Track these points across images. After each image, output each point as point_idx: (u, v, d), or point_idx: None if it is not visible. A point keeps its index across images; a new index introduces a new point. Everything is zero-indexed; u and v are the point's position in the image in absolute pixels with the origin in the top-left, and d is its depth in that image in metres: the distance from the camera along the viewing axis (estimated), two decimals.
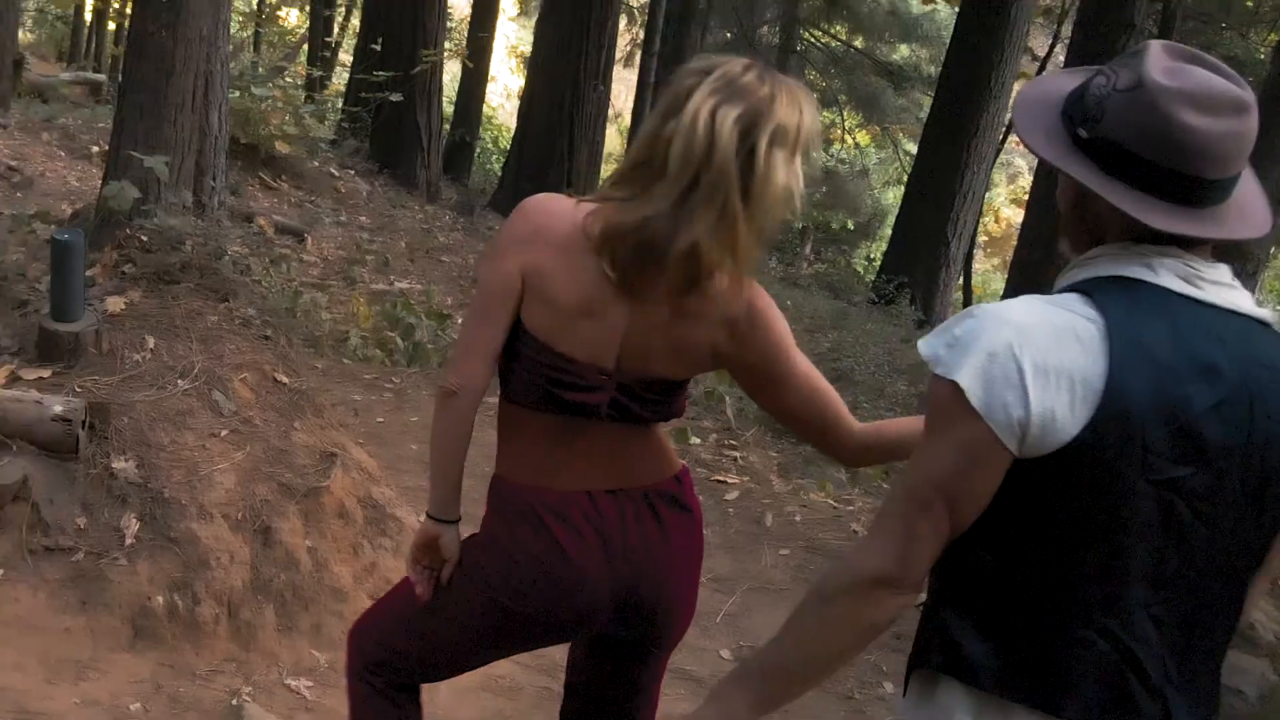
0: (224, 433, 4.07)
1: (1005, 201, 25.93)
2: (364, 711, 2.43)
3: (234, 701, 3.59)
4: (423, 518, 2.36)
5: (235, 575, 3.82)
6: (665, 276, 2.06)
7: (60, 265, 3.97)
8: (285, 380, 4.45)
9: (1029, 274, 9.85)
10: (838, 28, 19.43)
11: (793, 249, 19.32)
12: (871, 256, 21.27)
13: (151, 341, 4.22)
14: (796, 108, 2.04)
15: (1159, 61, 1.57)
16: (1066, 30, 15.32)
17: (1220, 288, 1.61)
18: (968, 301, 15.29)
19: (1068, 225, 1.77)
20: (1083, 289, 1.58)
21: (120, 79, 4.91)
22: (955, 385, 1.50)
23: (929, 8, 19.41)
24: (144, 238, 4.41)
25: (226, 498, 3.91)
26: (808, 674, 1.77)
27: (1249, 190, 1.66)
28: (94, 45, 22.94)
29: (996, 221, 25.82)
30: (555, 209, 2.14)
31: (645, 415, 2.28)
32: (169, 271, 4.44)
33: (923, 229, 13.45)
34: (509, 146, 15.57)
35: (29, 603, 3.59)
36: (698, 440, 7.04)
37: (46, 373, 4.01)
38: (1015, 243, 11.51)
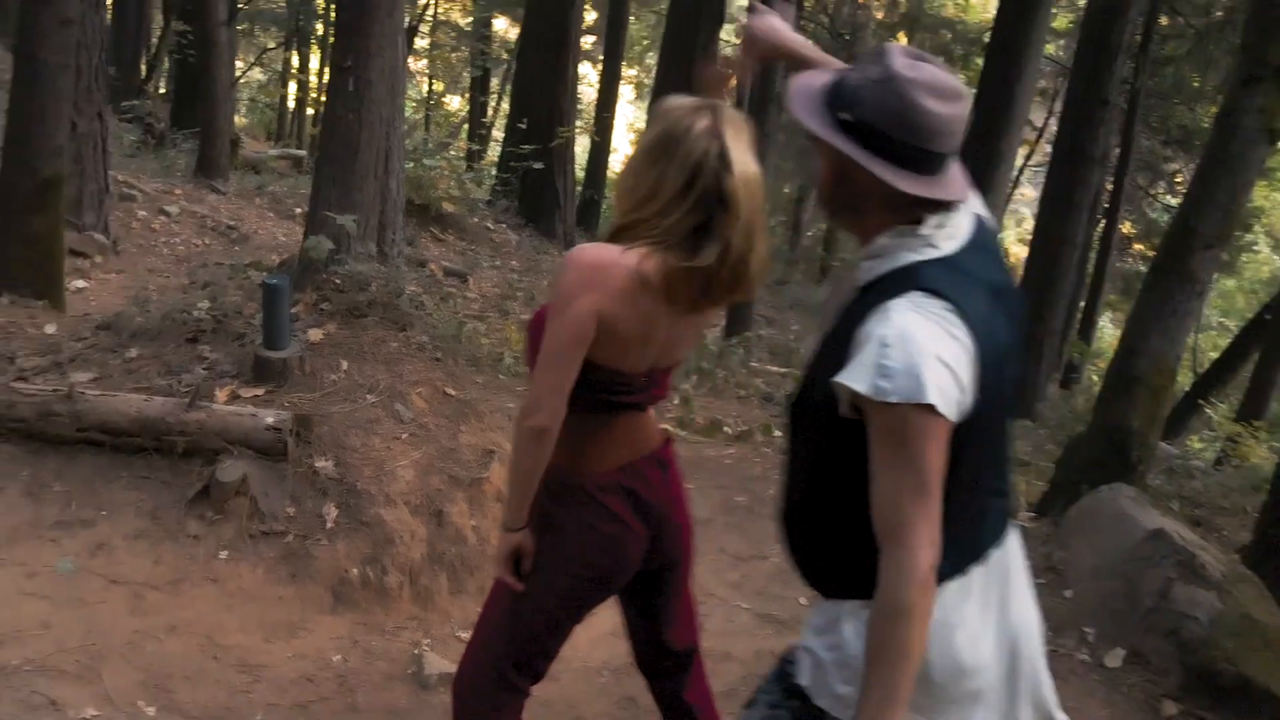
0: (404, 436, 4.43)
1: (1014, 240, 26.68)
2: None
3: (415, 651, 3.92)
4: (502, 532, 2.51)
5: (415, 550, 4.18)
6: (715, 299, 2.29)
7: (271, 304, 4.38)
8: (453, 393, 4.77)
9: (1035, 292, 10.47)
10: None
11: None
12: None
13: (345, 364, 4.62)
14: (740, 127, 2.22)
15: (900, 59, 1.82)
16: (1057, 105, 17.26)
17: (962, 220, 1.95)
18: None
19: (829, 197, 2.01)
20: (920, 287, 1.80)
21: (317, 154, 5.32)
22: (929, 406, 1.68)
23: None
24: (337, 281, 4.78)
25: (407, 488, 4.27)
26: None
27: (955, 165, 1.92)
28: (295, 126, 24.14)
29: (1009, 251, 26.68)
30: (607, 258, 2.19)
31: (660, 395, 2.52)
32: (358, 308, 4.81)
33: None
34: None
35: (249, 577, 4.00)
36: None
37: (261, 391, 4.43)
38: (1023, 270, 11.67)
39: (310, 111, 23.38)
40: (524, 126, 12.28)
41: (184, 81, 17.67)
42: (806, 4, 17.55)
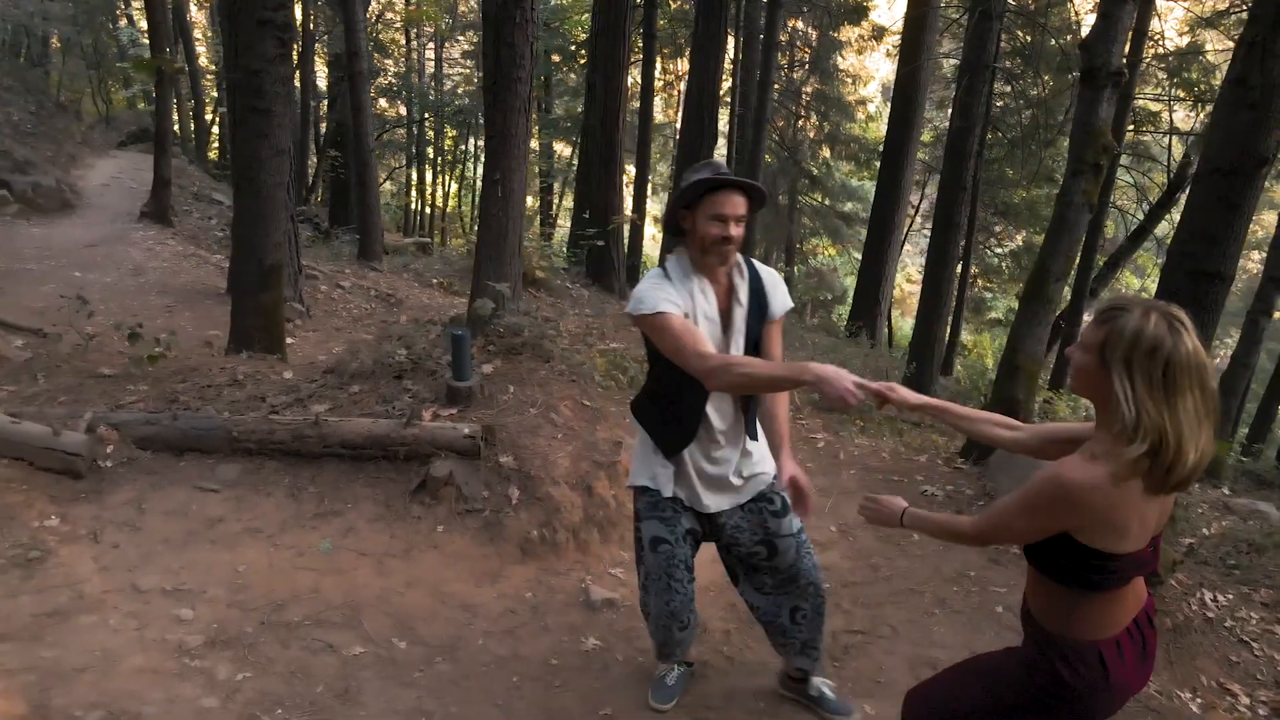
0: (559, 436, 4.35)
1: (904, 280, 28.16)
2: None
3: (583, 585, 3.87)
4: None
5: (574, 515, 4.10)
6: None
7: (458, 348, 4.33)
8: (587, 404, 4.69)
9: (926, 312, 11.44)
10: (817, 194, 20.93)
11: (797, 313, 21.08)
12: (841, 314, 23.11)
13: (511, 388, 4.54)
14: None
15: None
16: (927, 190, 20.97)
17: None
18: (890, 335, 18.25)
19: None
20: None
21: (476, 241, 5.24)
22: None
23: (861, 181, 22.79)
24: (501, 330, 4.75)
25: (565, 472, 4.19)
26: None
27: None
28: (418, 221, 24.14)
29: (900, 289, 27.39)
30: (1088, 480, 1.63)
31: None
32: (515, 348, 4.73)
33: (866, 297, 15.67)
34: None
35: (460, 543, 3.95)
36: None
37: (454, 411, 4.35)
38: (919, 299, 12.75)
39: (428, 210, 23.55)
40: (587, 216, 12.30)
41: (337, 191, 17.77)
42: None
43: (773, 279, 2.69)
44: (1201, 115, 17.87)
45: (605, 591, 3.82)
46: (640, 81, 15.24)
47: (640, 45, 14.92)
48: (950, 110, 20.53)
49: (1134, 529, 1.70)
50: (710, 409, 2.61)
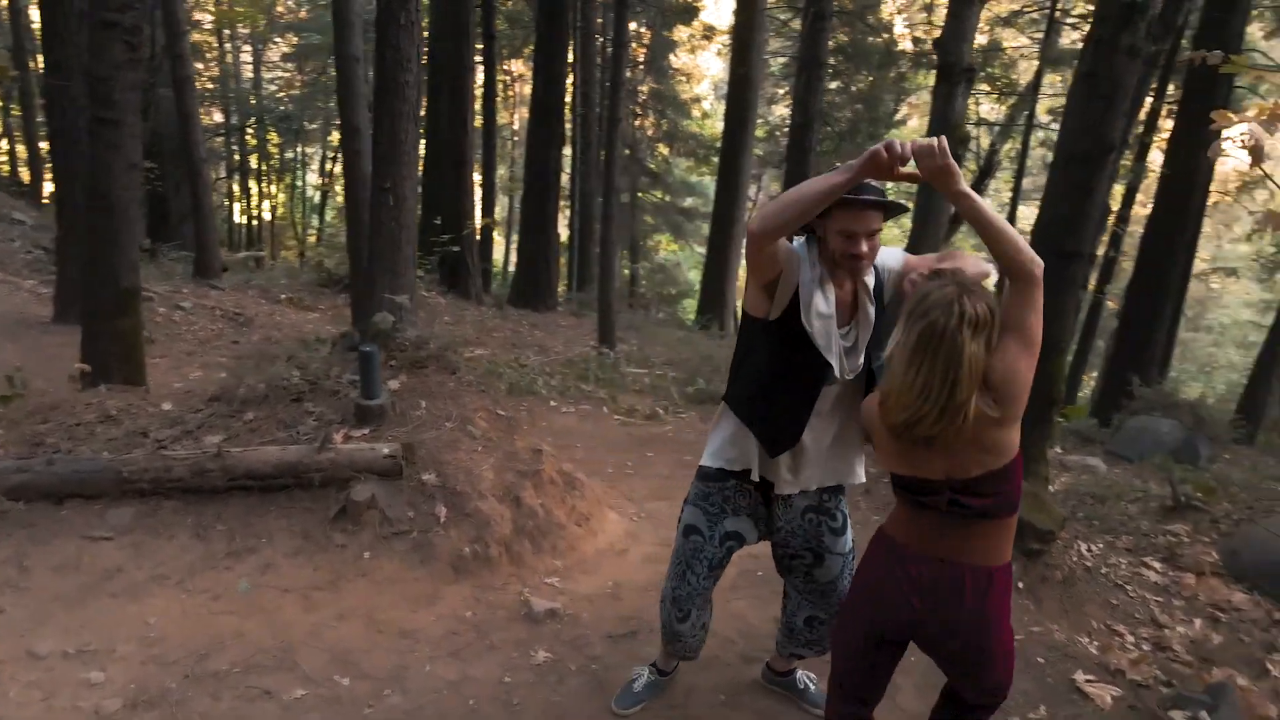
0: (479, 449, 4.23)
1: (743, 271, 29.97)
2: None
3: (521, 598, 3.80)
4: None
5: (504, 527, 4.02)
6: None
7: (367, 365, 4.12)
8: (501, 413, 4.59)
9: None
10: (658, 191, 21.62)
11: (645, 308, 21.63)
12: (687, 307, 24.14)
13: (423, 404, 4.37)
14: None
15: None
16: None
17: None
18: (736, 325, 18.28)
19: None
20: None
21: (368, 252, 5.00)
22: None
23: (700, 177, 23.78)
24: (406, 343, 4.56)
25: (490, 485, 4.10)
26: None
27: None
28: (245, 234, 22.75)
29: (741, 280, 29.15)
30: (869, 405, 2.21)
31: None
32: (419, 361, 4.56)
33: (713, 289, 16.42)
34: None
35: (390, 568, 3.79)
36: None
37: (367, 431, 4.15)
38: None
39: (253, 222, 22.23)
40: (439, 222, 11.99)
41: (154, 206, 16.48)
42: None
43: (884, 259, 2.46)
44: (1004, 108, 19.48)
45: (546, 602, 3.77)
46: (483, 84, 15.04)
47: (481, 47, 14.72)
48: (781, 106, 21.45)
49: (892, 456, 2.11)
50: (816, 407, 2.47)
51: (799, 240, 2.40)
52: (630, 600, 3.94)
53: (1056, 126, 17.16)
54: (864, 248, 2.24)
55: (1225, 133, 2.25)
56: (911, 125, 23.18)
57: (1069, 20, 16.81)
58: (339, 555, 3.80)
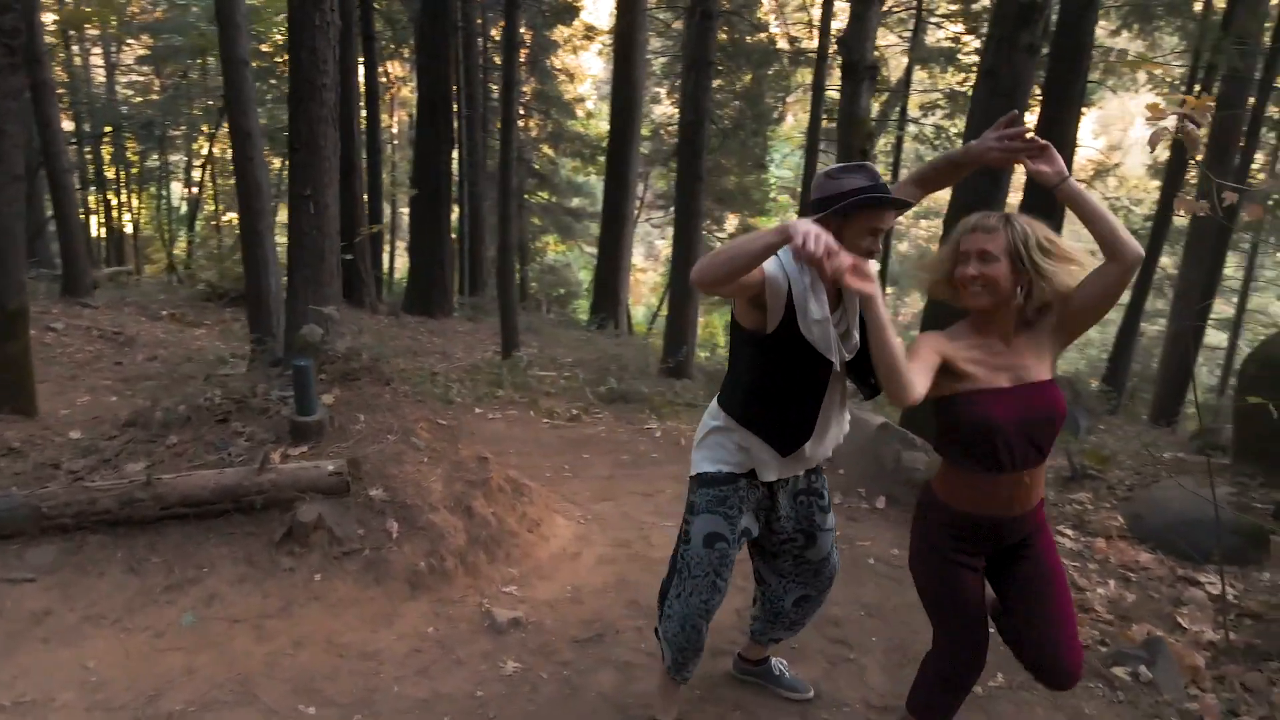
0: (425, 460, 4.12)
1: (643, 257, 30.31)
2: None
3: (482, 609, 3.72)
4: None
5: (458, 539, 3.93)
6: None
7: (301, 380, 3.95)
8: (443, 422, 4.48)
9: (677, 301, 12.29)
10: (544, 192, 21.76)
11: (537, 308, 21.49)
12: (578, 308, 24.15)
13: (362, 417, 4.22)
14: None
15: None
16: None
17: None
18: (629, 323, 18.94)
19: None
20: None
21: (289, 263, 4.78)
22: None
23: (587, 177, 23.98)
24: (334, 356, 4.40)
25: (441, 496, 4.00)
26: None
27: None
28: (108, 250, 21.27)
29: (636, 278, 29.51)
30: None
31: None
32: (351, 373, 4.39)
33: (606, 288, 16.54)
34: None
35: (344, 589, 3.65)
36: None
37: (305, 448, 3.99)
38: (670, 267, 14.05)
39: (117, 237, 20.81)
40: None
41: None
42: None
43: None
44: (878, 104, 20.28)
45: (508, 612, 3.72)
46: (364, 86, 14.62)
47: (362, 48, 14.29)
48: (665, 105, 21.67)
49: None
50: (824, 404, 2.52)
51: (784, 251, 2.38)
52: (591, 603, 3.92)
53: (928, 121, 17.98)
54: (878, 246, 2.34)
55: (1161, 124, 2.44)
56: (790, 122, 23.88)
57: (933, 19, 17.68)
58: (288, 580, 3.64)
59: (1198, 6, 14.41)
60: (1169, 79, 15.15)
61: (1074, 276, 2.19)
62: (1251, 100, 12.72)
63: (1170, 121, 2.40)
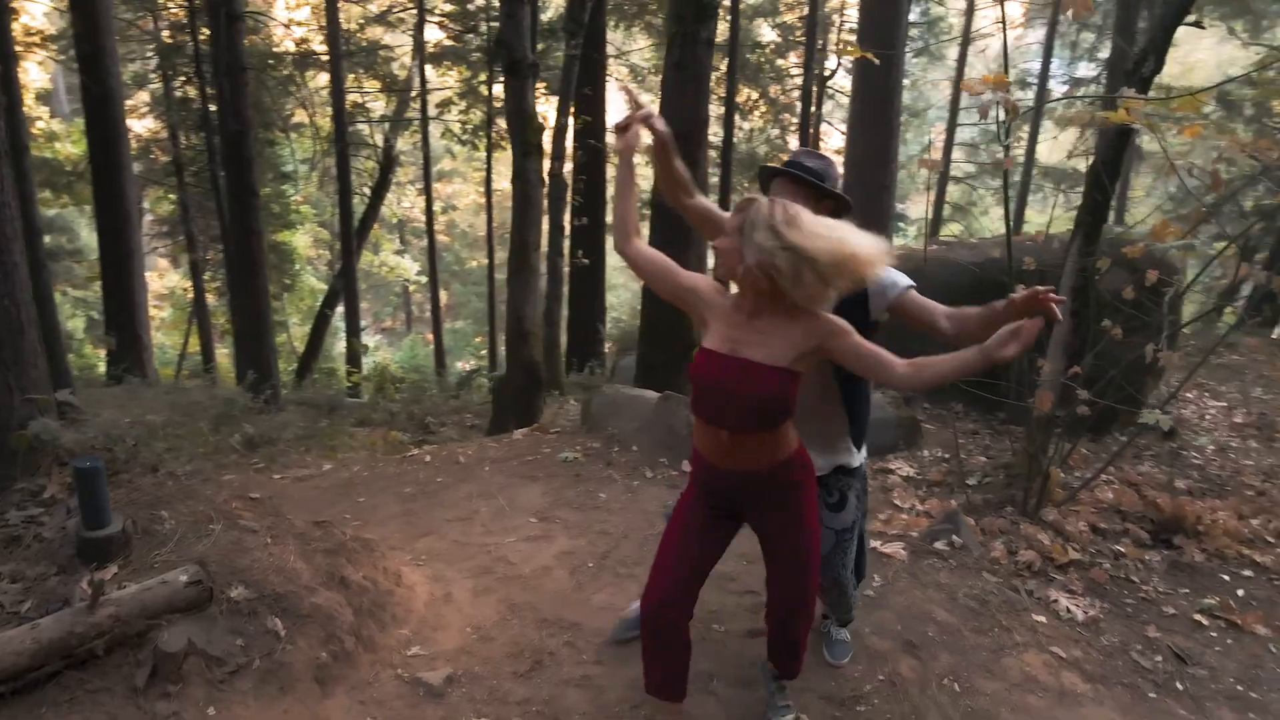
0: (267, 540, 3.45)
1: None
2: None
3: (402, 680, 3.33)
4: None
5: (346, 614, 3.41)
6: None
7: (89, 487, 3.00)
8: (255, 495, 3.78)
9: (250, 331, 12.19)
10: None
11: None
12: (90, 357, 21.15)
13: (164, 513, 3.37)
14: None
15: None
16: None
17: None
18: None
19: None
20: None
21: None
22: None
23: (64, 209, 20.66)
24: (95, 448, 3.40)
25: (310, 574, 3.43)
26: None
27: None
28: None
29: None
30: None
31: None
32: (114, 463, 3.49)
33: (124, 336, 13.95)
34: None
35: (248, 713, 2.98)
36: None
37: (113, 569, 3.09)
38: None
39: None
40: None
41: None
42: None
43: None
44: (390, 104, 20.24)
45: (433, 673, 3.39)
46: None
47: None
48: (151, 119, 19.11)
49: None
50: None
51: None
52: (502, 637, 3.71)
53: (448, 118, 18.50)
54: None
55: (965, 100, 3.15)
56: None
57: (434, 19, 18.17)
58: None
59: None
60: None
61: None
62: None
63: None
